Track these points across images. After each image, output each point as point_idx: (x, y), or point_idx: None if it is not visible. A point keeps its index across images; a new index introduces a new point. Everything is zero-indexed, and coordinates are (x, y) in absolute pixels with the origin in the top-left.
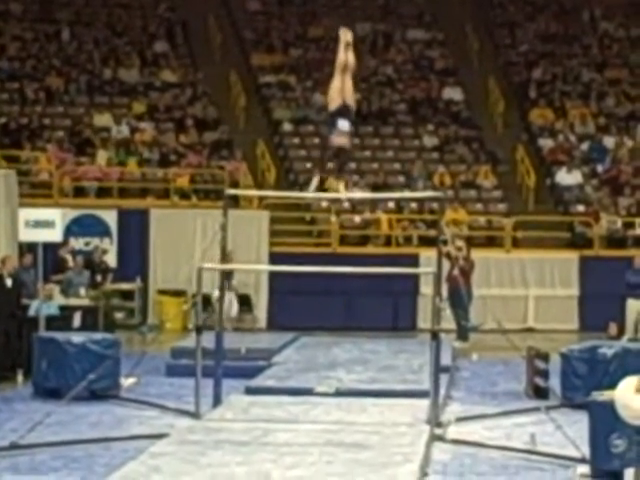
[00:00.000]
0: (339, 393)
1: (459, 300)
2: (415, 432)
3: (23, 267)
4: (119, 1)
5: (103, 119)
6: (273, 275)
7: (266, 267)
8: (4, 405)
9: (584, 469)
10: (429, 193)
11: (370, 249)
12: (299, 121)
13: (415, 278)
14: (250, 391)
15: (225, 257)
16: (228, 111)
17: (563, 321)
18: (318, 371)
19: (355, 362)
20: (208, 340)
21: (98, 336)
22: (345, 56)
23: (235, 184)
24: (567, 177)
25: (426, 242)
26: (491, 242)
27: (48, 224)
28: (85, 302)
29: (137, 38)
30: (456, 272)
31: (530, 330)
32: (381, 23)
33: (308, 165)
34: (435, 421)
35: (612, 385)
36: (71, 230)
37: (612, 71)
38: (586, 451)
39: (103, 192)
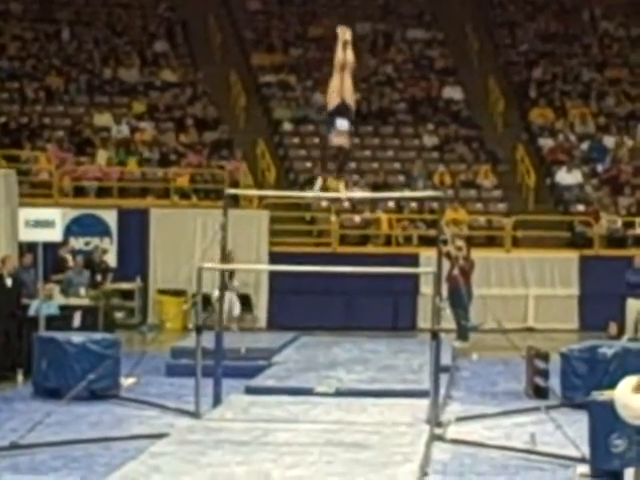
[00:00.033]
0: (339, 393)
1: (459, 300)
2: (415, 432)
3: (23, 267)
4: (119, 1)
5: (103, 119)
6: (273, 275)
7: (266, 267)
8: (4, 405)
9: (584, 469)
10: (429, 193)
11: (370, 249)
12: (299, 121)
13: (415, 278)
14: (250, 391)
15: (226, 257)
16: (228, 111)
17: (563, 321)
18: (318, 371)
19: (355, 362)
20: (208, 340)
21: (98, 336)
22: (344, 55)
23: (235, 184)
24: (567, 177)
25: (426, 242)
26: (491, 242)
27: (48, 224)
28: (85, 302)
29: (137, 38)
30: (456, 272)
31: (530, 330)
32: (381, 23)
33: (308, 165)
34: (435, 421)
35: (612, 385)
36: (71, 230)
37: (612, 71)
38: (586, 451)
39: (103, 192)
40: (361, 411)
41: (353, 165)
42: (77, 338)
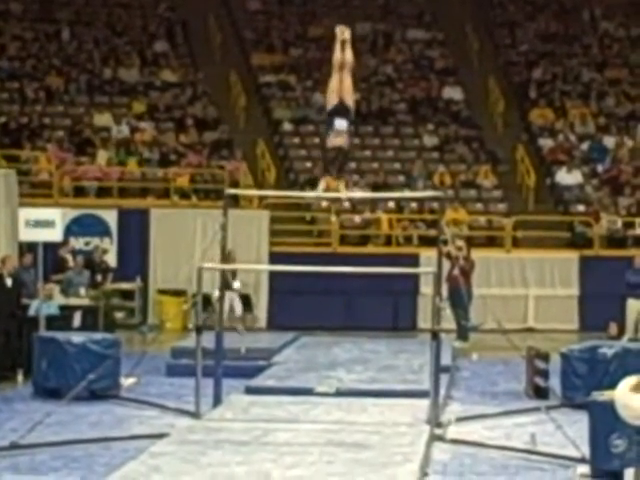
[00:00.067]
0: (339, 393)
1: (459, 300)
2: (415, 432)
3: (23, 267)
4: (119, 1)
5: (103, 119)
6: (273, 275)
7: (266, 267)
8: (4, 405)
9: (584, 469)
10: (429, 193)
11: (370, 249)
12: (299, 121)
13: (415, 278)
14: (250, 391)
15: (226, 257)
16: (228, 111)
17: (563, 321)
18: (318, 371)
19: (355, 362)
20: (208, 340)
21: (98, 336)
22: (342, 54)
23: (235, 184)
24: (567, 177)
25: (426, 242)
26: (491, 242)
27: (48, 224)
28: (85, 302)
29: (137, 38)
30: (456, 272)
31: (530, 330)
32: (381, 23)
33: (308, 165)
34: (435, 421)
35: (612, 385)
36: (71, 230)
37: (612, 71)
38: (586, 451)
39: (103, 192)
40: (361, 411)
41: (353, 165)
42: (77, 338)
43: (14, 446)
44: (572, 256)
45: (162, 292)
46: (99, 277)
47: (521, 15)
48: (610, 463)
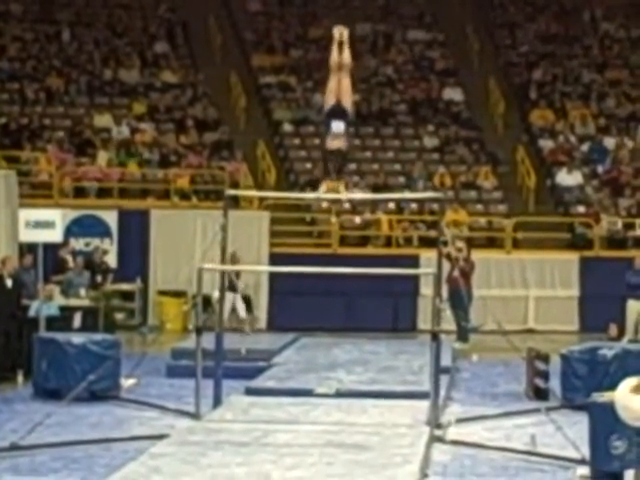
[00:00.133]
0: (339, 394)
1: (459, 301)
2: (415, 433)
3: (23, 268)
4: (119, 2)
5: (103, 120)
6: (273, 276)
7: (266, 268)
8: (4, 406)
9: (584, 470)
10: (429, 194)
11: (370, 250)
12: (299, 122)
13: (415, 279)
14: (250, 392)
15: (231, 259)
16: (228, 112)
17: (563, 322)
18: (318, 372)
19: (355, 363)
20: (208, 341)
21: (98, 337)
22: (340, 55)
23: (235, 185)
24: (567, 178)
25: (426, 243)
26: (491, 243)
27: (48, 225)
28: (85, 303)
29: (137, 39)
30: (456, 273)
31: (530, 331)
32: (381, 24)
33: (308, 166)
34: (435, 422)
35: (612, 386)
36: (71, 231)
37: (612, 72)
38: (586, 452)
39: (103, 193)
40: (361, 412)
41: (353, 166)
42: (77, 339)
43: (14, 447)
44: (572, 257)
45: (162, 293)
46: (99, 278)
47: (521, 16)
48: (610, 464)
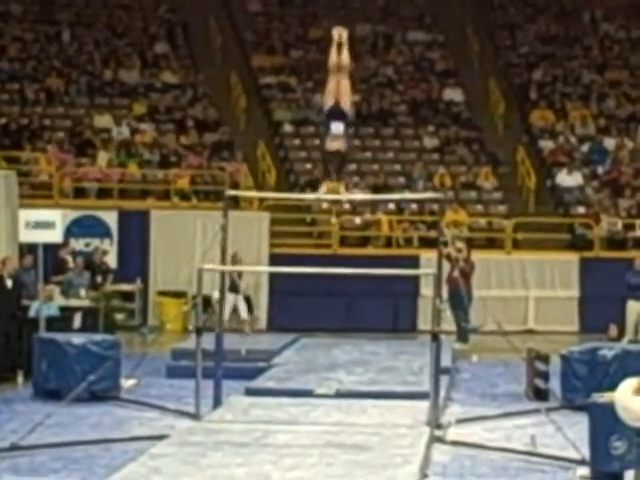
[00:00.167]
0: (339, 394)
1: (459, 302)
2: (415, 434)
3: (23, 268)
4: (120, 2)
5: (103, 120)
6: (273, 276)
7: (266, 268)
8: (4, 406)
9: (584, 471)
10: (429, 194)
11: (370, 250)
12: (299, 122)
13: (415, 279)
14: (250, 392)
15: (233, 260)
16: (228, 112)
17: (563, 323)
18: (318, 372)
19: (355, 363)
20: (208, 341)
21: (98, 337)
22: (338, 56)
23: (235, 185)
24: (567, 179)
25: (426, 243)
26: (491, 243)
27: (48, 225)
28: (85, 303)
29: (138, 39)
30: (456, 274)
31: (530, 332)
32: (381, 24)
33: (308, 166)
34: (435, 423)
35: (612, 387)
36: (71, 231)
37: (613, 72)
38: (586, 453)
39: (103, 193)
40: (361, 413)
41: (354, 167)
42: (77, 339)
43: (14, 447)
44: (572, 258)
45: (162, 293)
46: (99, 278)
47: (521, 17)
48: (610, 465)
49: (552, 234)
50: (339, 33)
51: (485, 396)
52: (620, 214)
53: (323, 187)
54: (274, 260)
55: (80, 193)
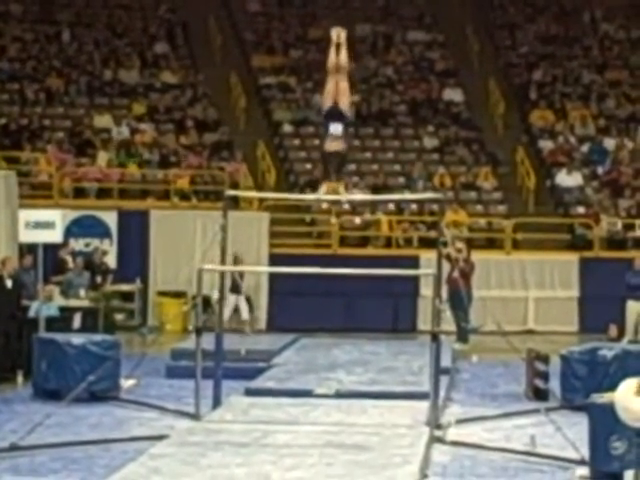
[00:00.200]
0: (339, 395)
1: (459, 302)
2: (415, 434)
3: (23, 268)
4: (119, 2)
5: (103, 120)
6: (273, 276)
7: (266, 268)
8: (4, 406)
9: (584, 471)
10: (429, 195)
11: (370, 250)
12: (299, 122)
13: (415, 280)
14: (250, 392)
15: (234, 260)
16: (228, 112)
17: (563, 323)
18: (318, 372)
19: (355, 364)
20: (208, 341)
21: (98, 337)
22: (337, 57)
23: (235, 185)
24: (567, 179)
25: (426, 244)
26: (491, 244)
27: (48, 225)
28: (85, 303)
29: (137, 39)
30: (456, 274)
31: (530, 332)
32: (381, 24)
33: (308, 166)
34: (435, 423)
35: (612, 387)
36: (71, 231)
37: (612, 73)
38: (586, 453)
39: (103, 193)
40: (361, 413)
41: (353, 167)
42: (77, 339)
43: (14, 447)
44: (572, 258)
45: (162, 294)
46: (99, 278)
47: (521, 17)
48: (610, 465)
49: (552, 234)
50: (337, 34)
51: (485, 396)
52: (620, 214)
53: (323, 187)
54: (274, 260)
55: (80, 193)
